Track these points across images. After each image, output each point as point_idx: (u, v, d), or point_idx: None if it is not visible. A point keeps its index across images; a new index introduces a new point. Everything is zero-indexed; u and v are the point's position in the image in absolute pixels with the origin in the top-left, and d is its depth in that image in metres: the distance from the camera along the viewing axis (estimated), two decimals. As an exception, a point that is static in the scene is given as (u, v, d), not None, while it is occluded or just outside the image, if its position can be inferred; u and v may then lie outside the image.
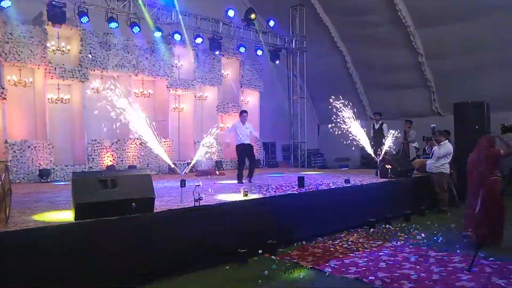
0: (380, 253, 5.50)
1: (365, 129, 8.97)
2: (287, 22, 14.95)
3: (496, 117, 9.97)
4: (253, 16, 12.96)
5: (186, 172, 5.93)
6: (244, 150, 8.53)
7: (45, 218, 4.63)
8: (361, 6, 12.66)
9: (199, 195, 5.17)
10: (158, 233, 4.69)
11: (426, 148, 9.34)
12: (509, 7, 10.31)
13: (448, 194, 8.52)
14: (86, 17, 9.77)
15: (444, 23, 11.51)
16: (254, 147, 9.40)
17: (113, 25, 10.31)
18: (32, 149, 9.56)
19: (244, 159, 8.66)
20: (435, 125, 9.33)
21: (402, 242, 6.14)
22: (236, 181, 8.46)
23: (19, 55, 9.40)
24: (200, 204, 5.17)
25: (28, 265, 3.77)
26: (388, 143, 8.91)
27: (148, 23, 10.88)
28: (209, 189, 6.58)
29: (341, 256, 5.42)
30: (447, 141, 8.45)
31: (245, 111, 9.04)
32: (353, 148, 8.99)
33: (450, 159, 8.44)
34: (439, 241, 6.14)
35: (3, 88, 9.26)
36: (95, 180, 4.54)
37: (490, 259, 5.08)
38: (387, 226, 7.14)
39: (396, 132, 9.02)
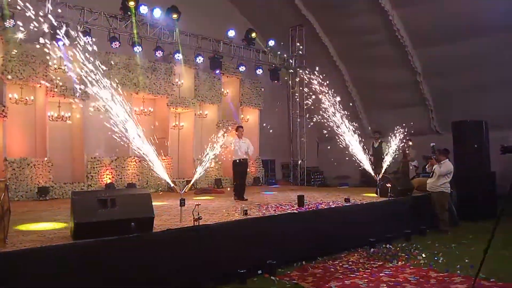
0: (381, 274, 5.45)
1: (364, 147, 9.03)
2: (287, 42, 15.12)
3: (495, 136, 10.04)
4: (253, 34, 13.15)
5: (186, 191, 5.92)
6: (243, 165, 8.53)
7: (44, 238, 4.60)
8: (360, 27, 12.85)
9: (198, 214, 5.15)
10: (157, 253, 4.65)
11: (426, 167, 9.35)
12: (508, 27, 10.45)
13: (448, 214, 8.47)
14: (89, 36, 9.88)
15: (442, 43, 11.64)
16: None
17: (116, 44, 10.44)
18: (31, 166, 9.55)
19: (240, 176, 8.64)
20: (434, 143, 9.35)
21: (403, 262, 6.08)
22: (234, 199, 8.42)
23: (21, 73, 9.49)
24: (200, 224, 5.15)
25: (26, 286, 3.73)
26: (388, 161, 8.89)
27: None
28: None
29: (341, 276, 5.36)
30: (447, 159, 8.45)
31: (241, 126, 9.05)
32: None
33: (451, 178, 8.43)
34: (440, 261, 6.09)
35: (4, 106, 9.33)
36: (94, 199, 4.53)
37: (492, 280, 5.03)
38: (388, 246, 7.08)
39: (395, 145, 9.07)
